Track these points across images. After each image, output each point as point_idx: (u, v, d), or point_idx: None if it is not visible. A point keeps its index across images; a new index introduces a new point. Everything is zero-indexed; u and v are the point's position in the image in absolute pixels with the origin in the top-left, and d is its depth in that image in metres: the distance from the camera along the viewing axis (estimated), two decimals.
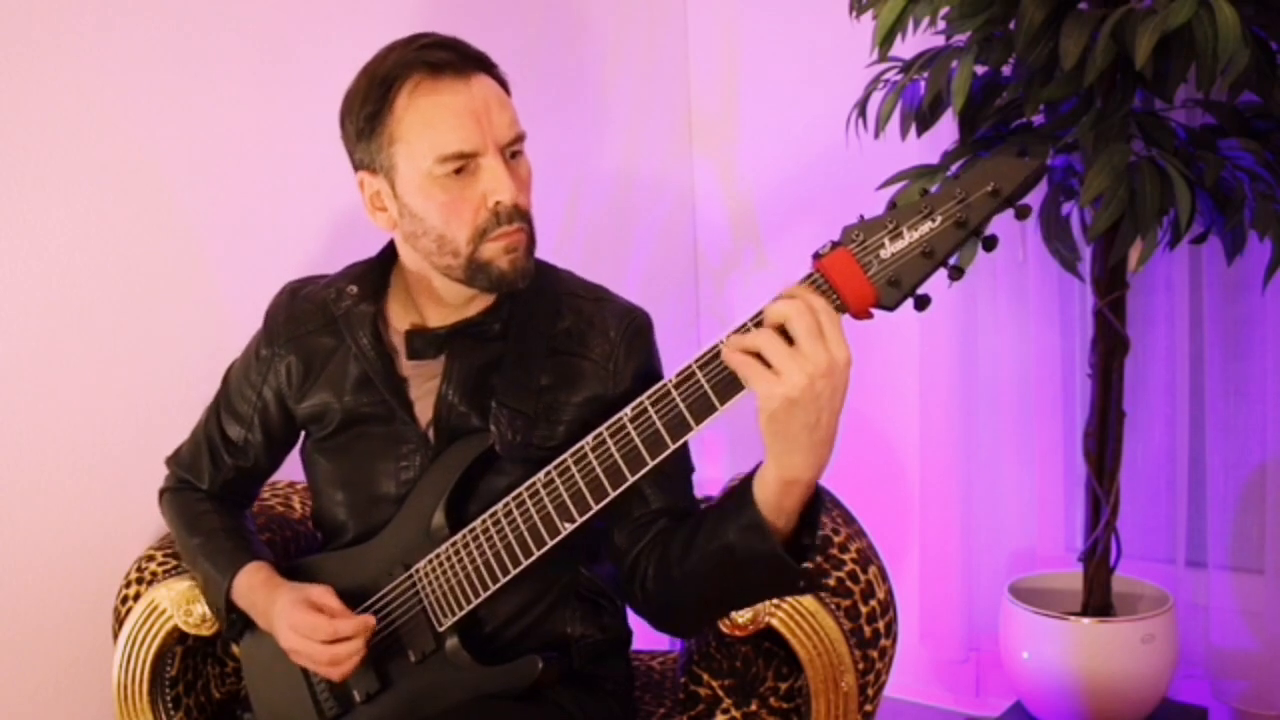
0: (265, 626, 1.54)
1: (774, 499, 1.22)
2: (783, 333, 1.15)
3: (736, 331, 1.20)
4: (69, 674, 1.94)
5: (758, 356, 1.15)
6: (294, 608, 1.46)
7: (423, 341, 1.51)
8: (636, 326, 1.54)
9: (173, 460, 1.72)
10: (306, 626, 1.44)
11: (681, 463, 1.50)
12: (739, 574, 1.30)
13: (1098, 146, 1.94)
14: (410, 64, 1.39)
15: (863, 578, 1.58)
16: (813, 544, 1.27)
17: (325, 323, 1.57)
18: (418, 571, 1.47)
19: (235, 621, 1.59)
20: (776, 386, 1.13)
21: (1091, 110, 1.99)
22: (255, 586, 1.54)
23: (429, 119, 1.38)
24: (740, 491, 1.27)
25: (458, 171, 1.39)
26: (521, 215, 1.43)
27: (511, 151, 1.43)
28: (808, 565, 1.27)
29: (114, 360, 1.97)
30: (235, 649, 1.76)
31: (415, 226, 1.44)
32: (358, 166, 1.47)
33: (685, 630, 1.55)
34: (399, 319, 1.55)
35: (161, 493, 1.72)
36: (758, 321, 1.19)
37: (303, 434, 1.65)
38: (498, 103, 1.41)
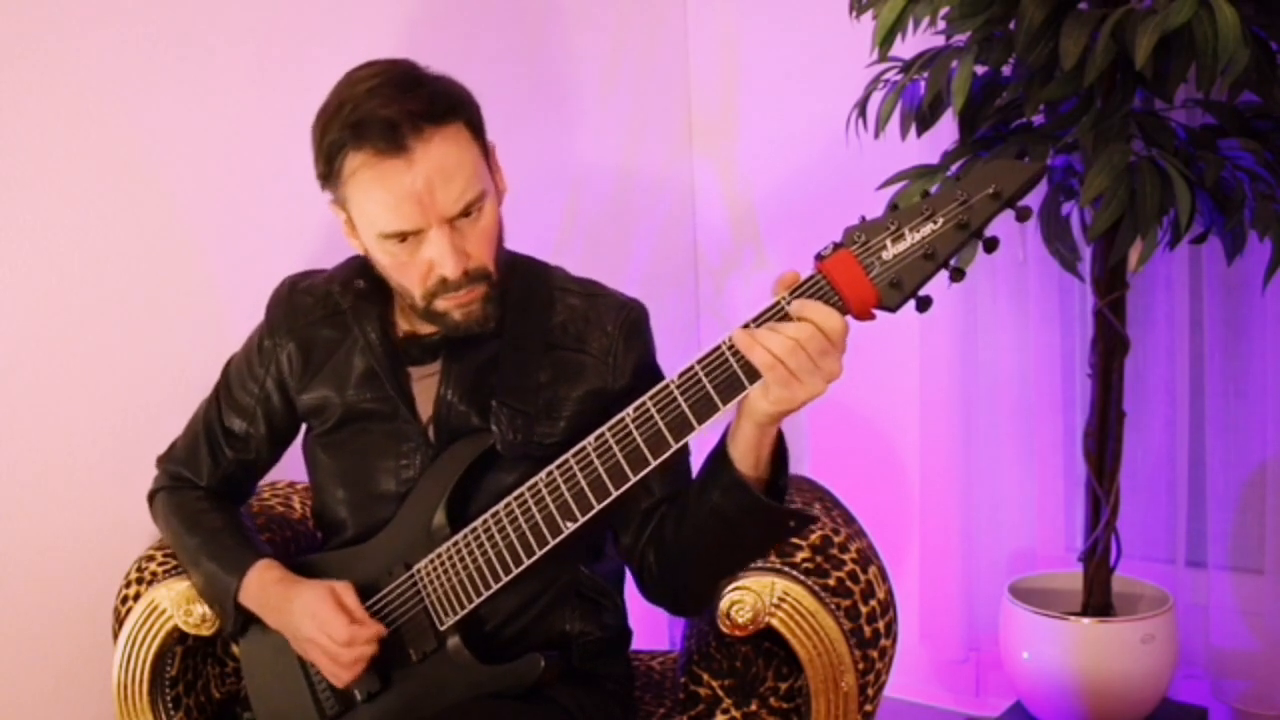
0: (276, 624, 1.53)
1: (751, 449, 1.30)
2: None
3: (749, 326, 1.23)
4: (69, 674, 1.94)
5: (779, 361, 1.20)
6: (319, 600, 1.47)
7: (419, 349, 1.52)
8: (634, 319, 1.55)
9: (165, 458, 1.71)
10: (326, 621, 1.45)
11: (682, 453, 1.51)
12: (732, 532, 1.36)
13: (1098, 146, 1.94)
14: (354, 132, 1.35)
15: (863, 578, 1.58)
16: (787, 484, 1.35)
17: (326, 315, 1.57)
18: (419, 571, 1.47)
19: (239, 620, 1.58)
20: (800, 393, 1.21)
21: (1091, 110, 1.99)
22: (268, 584, 1.53)
23: (370, 197, 1.37)
24: (717, 456, 1.34)
25: (403, 240, 1.39)
26: (473, 277, 1.41)
27: (465, 212, 1.39)
28: (792, 505, 1.36)
29: (114, 360, 1.97)
30: (235, 649, 1.76)
31: (378, 268, 1.47)
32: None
33: (697, 604, 1.56)
34: (399, 319, 1.55)
35: (153, 494, 1.69)
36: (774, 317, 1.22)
37: (304, 429, 1.65)
38: (443, 177, 1.36)
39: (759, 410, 1.26)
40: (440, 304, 1.42)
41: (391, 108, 1.34)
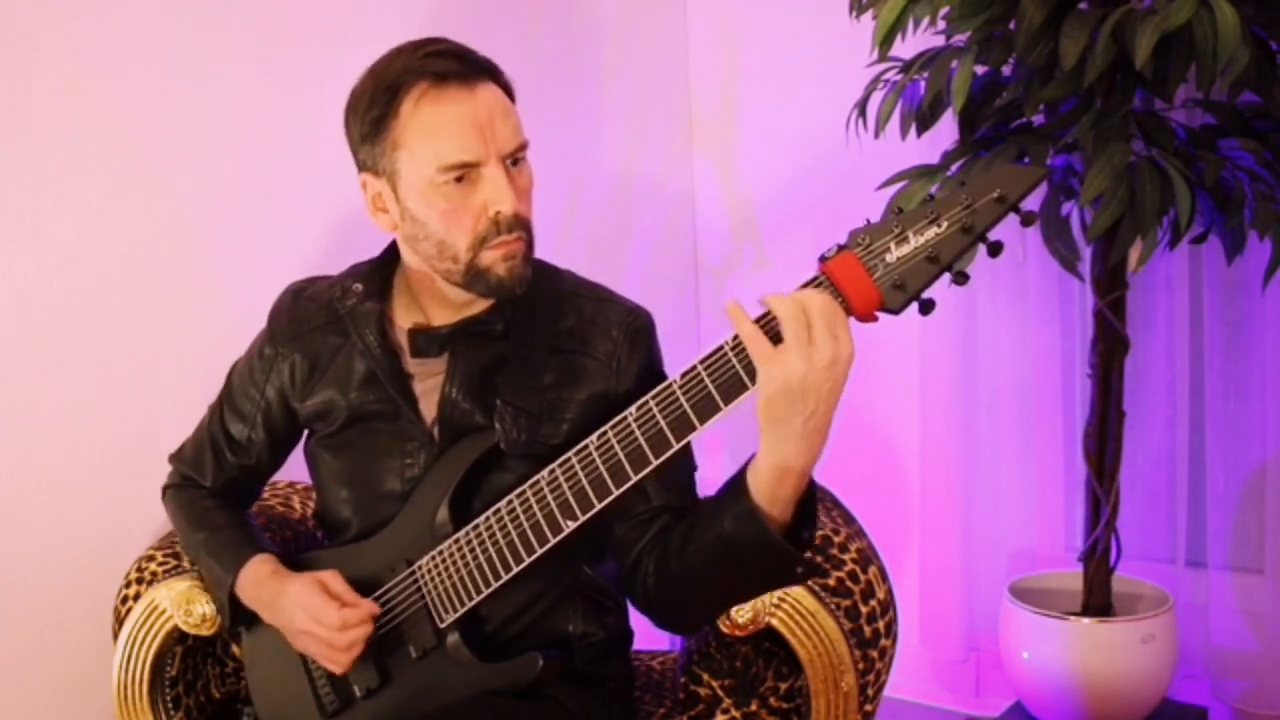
0: (270, 619, 1.54)
1: (768, 488, 1.24)
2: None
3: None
4: (69, 674, 1.94)
5: (770, 336, 1.17)
6: (307, 591, 1.47)
7: (426, 340, 1.52)
8: (639, 325, 1.55)
9: (176, 458, 1.72)
10: (316, 610, 1.46)
11: (684, 461, 1.51)
12: (736, 563, 1.31)
13: (1098, 146, 1.94)
14: (416, 71, 1.40)
15: (863, 578, 1.58)
16: (811, 538, 1.29)
17: (329, 321, 1.58)
18: (420, 568, 1.47)
19: (239, 617, 1.59)
20: (777, 367, 1.16)
21: (1091, 110, 1.99)
22: (262, 579, 1.54)
23: (432, 128, 1.39)
24: (734, 482, 1.29)
25: (459, 180, 1.40)
26: (521, 224, 1.44)
27: (513, 159, 1.43)
28: (806, 555, 1.30)
29: (115, 361, 1.97)
30: (236, 650, 1.76)
31: (416, 230, 1.45)
32: (361, 167, 1.48)
33: (687, 627, 1.55)
34: (403, 317, 1.55)
35: (165, 489, 1.72)
36: (766, 319, 1.20)
37: (305, 432, 1.65)
38: (501, 112, 1.42)
39: (777, 452, 1.21)
40: (487, 255, 1.42)
41: (445, 59, 1.41)
